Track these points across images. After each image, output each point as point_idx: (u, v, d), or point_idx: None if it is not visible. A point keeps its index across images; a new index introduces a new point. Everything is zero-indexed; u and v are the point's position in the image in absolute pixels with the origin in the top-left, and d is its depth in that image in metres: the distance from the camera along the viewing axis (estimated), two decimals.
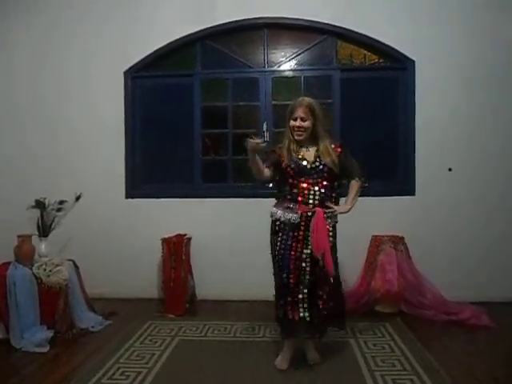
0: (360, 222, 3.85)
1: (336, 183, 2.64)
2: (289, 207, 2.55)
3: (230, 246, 3.94)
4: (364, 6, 3.89)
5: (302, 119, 2.55)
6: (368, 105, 4.02)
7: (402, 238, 3.69)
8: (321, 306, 2.50)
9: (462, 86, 3.84)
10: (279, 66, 4.10)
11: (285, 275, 2.50)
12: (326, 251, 2.47)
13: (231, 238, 3.94)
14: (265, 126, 4.01)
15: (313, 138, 2.61)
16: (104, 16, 4.07)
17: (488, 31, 3.81)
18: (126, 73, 4.08)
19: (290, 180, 2.56)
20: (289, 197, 2.56)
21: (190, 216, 3.98)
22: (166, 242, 3.70)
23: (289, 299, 2.49)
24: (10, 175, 4.05)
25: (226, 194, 4.01)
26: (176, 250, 3.67)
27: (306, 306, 2.49)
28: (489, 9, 3.80)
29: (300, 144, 2.62)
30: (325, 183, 2.55)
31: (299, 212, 2.52)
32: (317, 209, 2.52)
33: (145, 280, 3.99)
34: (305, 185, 2.54)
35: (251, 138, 2.46)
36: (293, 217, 2.52)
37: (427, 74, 3.85)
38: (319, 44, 4.05)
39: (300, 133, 2.57)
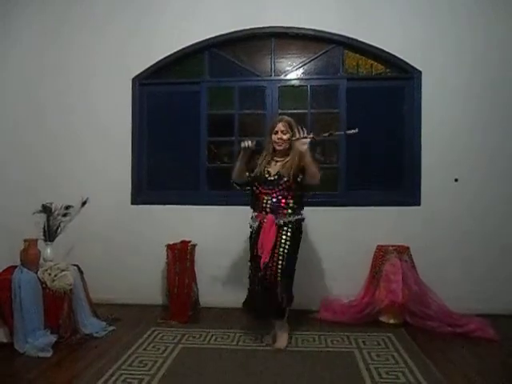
0: (365, 231, 3.86)
1: (299, 192, 3.04)
2: (252, 216, 3.09)
3: (235, 254, 3.94)
4: (371, 16, 3.91)
5: (282, 132, 3.04)
6: (374, 114, 4.02)
7: (408, 248, 3.67)
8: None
9: (469, 96, 3.84)
10: (286, 75, 4.12)
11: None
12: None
13: (236, 245, 3.94)
14: None
15: (288, 150, 3.07)
16: (112, 20, 4.11)
17: (497, 45, 3.81)
18: (134, 79, 4.12)
19: (255, 190, 3.07)
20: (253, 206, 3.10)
21: (195, 223, 3.99)
22: (170, 248, 3.71)
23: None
24: (16, 181, 4.07)
25: (231, 201, 4.01)
26: (180, 256, 3.67)
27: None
28: (499, 22, 3.80)
29: (276, 155, 3.09)
30: (279, 193, 2.98)
31: (258, 219, 3.02)
32: (268, 215, 2.97)
33: (149, 286, 4.00)
34: (263, 195, 3.02)
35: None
36: (254, 224, 3.05)
37: (434, 84, 3.85)
38: (326, 53, 4.07)
39: (280, 143, 3.05)
